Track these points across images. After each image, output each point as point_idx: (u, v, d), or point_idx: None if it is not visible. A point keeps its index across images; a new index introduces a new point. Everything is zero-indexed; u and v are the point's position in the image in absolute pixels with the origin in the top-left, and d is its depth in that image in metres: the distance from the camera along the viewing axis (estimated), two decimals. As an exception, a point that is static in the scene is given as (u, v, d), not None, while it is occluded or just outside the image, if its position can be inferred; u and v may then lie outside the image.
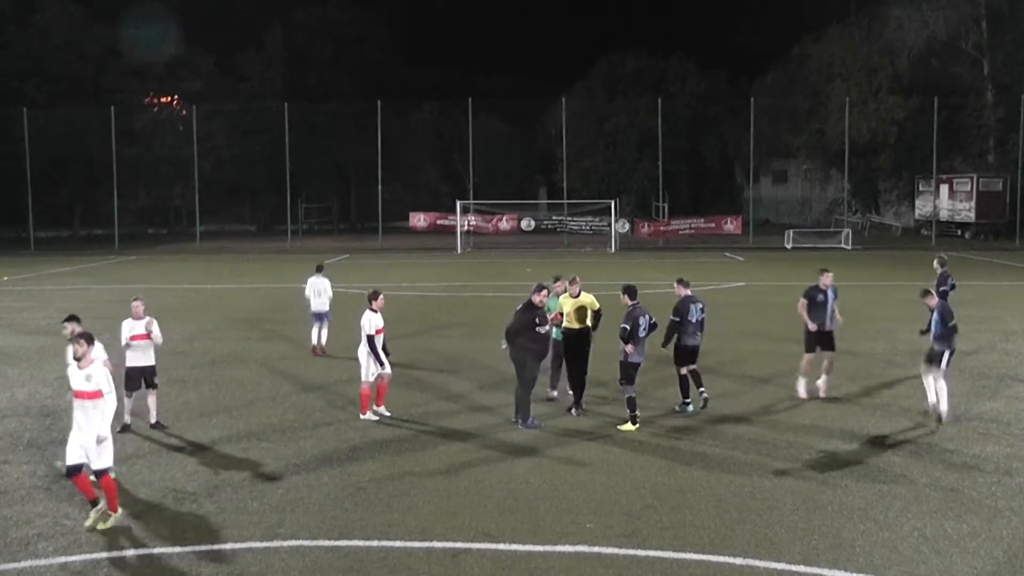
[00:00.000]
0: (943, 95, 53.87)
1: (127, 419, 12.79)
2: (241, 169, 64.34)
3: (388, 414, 13.42)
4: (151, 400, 12.96)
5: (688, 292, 13.76)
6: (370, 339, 13.07)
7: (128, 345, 12.80)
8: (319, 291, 18.61)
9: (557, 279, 14.40)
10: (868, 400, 14.48)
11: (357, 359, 13.45)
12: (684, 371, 13.71)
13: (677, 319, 13.53)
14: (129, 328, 12.85)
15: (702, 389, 13.83)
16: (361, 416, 13.34)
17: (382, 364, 13.19)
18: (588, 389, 13.79)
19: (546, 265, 38.86)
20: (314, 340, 18.58)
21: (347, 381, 15.85)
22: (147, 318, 12.90)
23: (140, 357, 12.80)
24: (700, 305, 13.74)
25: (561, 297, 13.86)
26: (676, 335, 13.55)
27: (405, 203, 68.17)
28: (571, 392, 13.86)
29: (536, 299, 12.92)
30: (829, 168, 65.02)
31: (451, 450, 11.84)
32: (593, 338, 13.74)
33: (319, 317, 18.59)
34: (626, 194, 65.90)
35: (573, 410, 13.58)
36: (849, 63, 58.86)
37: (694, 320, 13.55)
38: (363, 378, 13.31)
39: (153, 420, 12.97)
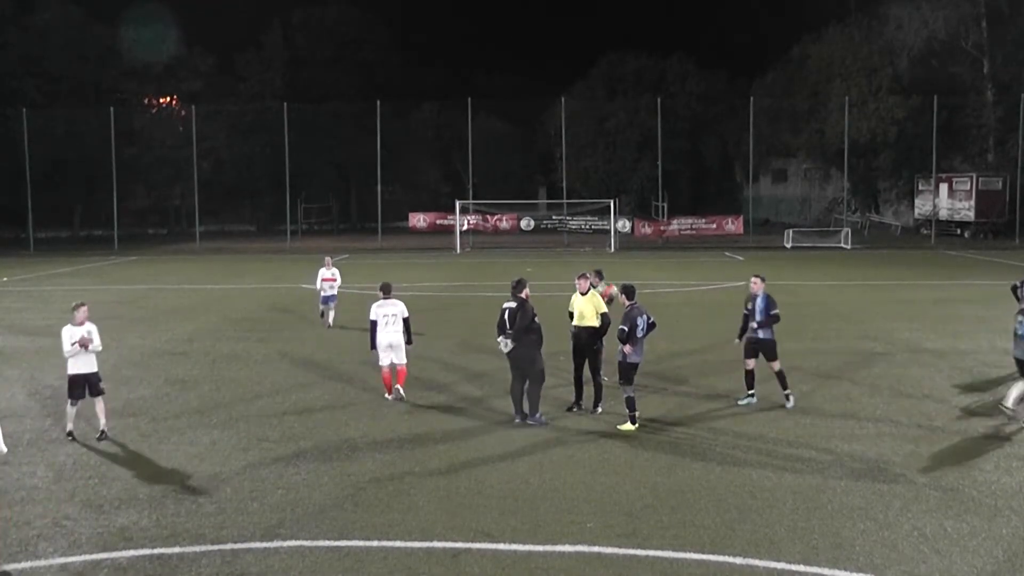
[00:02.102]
0: (943, 95, 53.87)
1: (70, 427, 12.44)
2: (241, 169, 64.35)
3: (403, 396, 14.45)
4: (99, 408, 12.48)
5: (752, 289, 13.88)
6: (407, 322, 14.44)
7: (72, 352, 12.26)
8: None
9: (600, 274, 14.61)
10: (867, 399, 14.46)
11: (376, 347, 14.37)
12: (748, 365, 13.94)
13: (746, 312, 13.91)
14: (70, 334, 12.30)
15: (787, 392, 13.90)
16: (386, 396, 14.40)
17: (410, 340, 14.59)
18: (588, 389, 13.74)
19: (545, 265, 38.89)
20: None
21: (347, 381, 15.87)
22: (88, 325, 12.41)
23: (83, 364, 12.32)
24: (762, 297, 13.77)
25: (573, 296, 13.83)
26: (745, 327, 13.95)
27: (405, 203, 68.26)
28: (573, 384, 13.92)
29: (524, 295, 13.03)
30: (829, 167, 65.07)
31: (451, 450, 11.84)
32: (600, 344, 13.64)
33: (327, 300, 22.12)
34: (626, 194, 65.95)
35: (575, 408, 13.63)
36: (849, 63, 58.87)
37: (756, 314, 13.72)
38: (398, 360, 14.36)
39: (101, 428, 12.48)
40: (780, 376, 13.89)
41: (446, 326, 22.25)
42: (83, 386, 12.39)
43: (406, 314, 14.41)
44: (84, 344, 12.28)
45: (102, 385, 12.57)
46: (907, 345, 19.19)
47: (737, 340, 14.20)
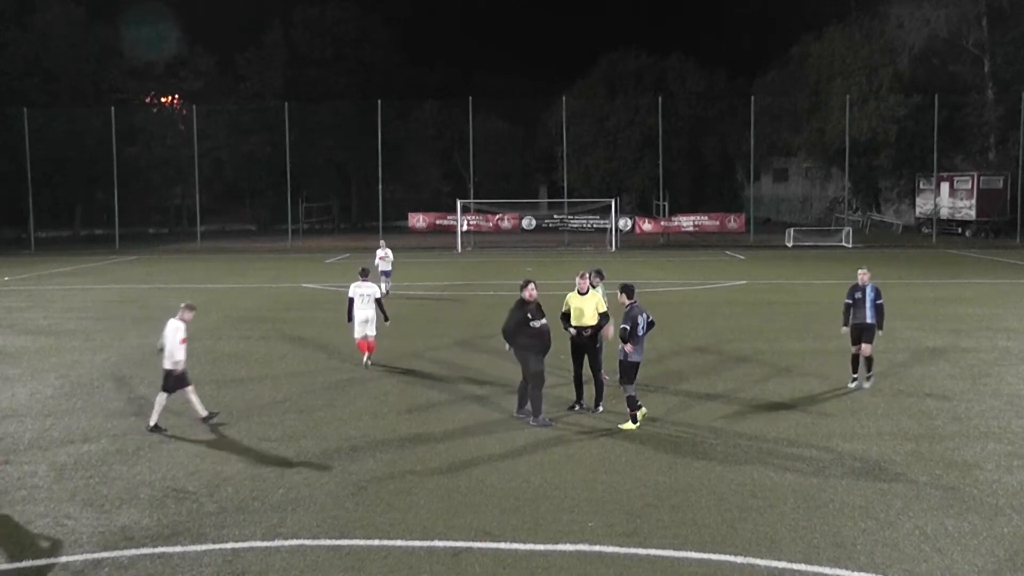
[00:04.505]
0: (944, 93, 53.85)
1: (156, 419, 12.82)
2: (241, 169, 64.36)
3: (370, 363, 16.87)
4: (195, 396, 13.08)
5: (862, 280, 15.03)
6: (379, 301, 16.90)
7: (180, 348, 12.71)
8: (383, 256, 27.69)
9: (600, 273, 14.56)
10: (868, 398, 14.46)
11: (352, 320, 16.82)
12: (855, 350, 15.07)
13: (849, 301, 15.10)
14: (181, 329, 12.82)
15: (869, 374, 15.11)
16: (364, 362, 16.79)
17: (387, 319, 17.06)
18: (588, 388, 13.72)
19: (546, 264, 38.89)
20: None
21: (348, 380, 15.88)
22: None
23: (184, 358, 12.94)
24: (871, 287, 14.98)
25: (571, 294, 13.77)
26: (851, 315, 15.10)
27: (406, 202, 68.25)
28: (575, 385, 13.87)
29: (526, 295, 12.93)
30: (830, 166, 65.05)
31: (452, 449, 11.84)
32: (601, 340, 13.65)
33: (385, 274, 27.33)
34: (627, 193, 65.96)
35: (576, 407, 13.61)
36: (849, 61, 58.84)
37: (866, 302, 14.90)
38: (371, 333, 16.83)
39: (205, 413, 13.12)
40: (869, 361, 15.07)
41: (446, 325, 22.25)
42: (181, 378, 12.80)
43: (378, 295, 17.06)
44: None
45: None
46: (907, 344, 19.17)
47: (844, 328, 15.24)
